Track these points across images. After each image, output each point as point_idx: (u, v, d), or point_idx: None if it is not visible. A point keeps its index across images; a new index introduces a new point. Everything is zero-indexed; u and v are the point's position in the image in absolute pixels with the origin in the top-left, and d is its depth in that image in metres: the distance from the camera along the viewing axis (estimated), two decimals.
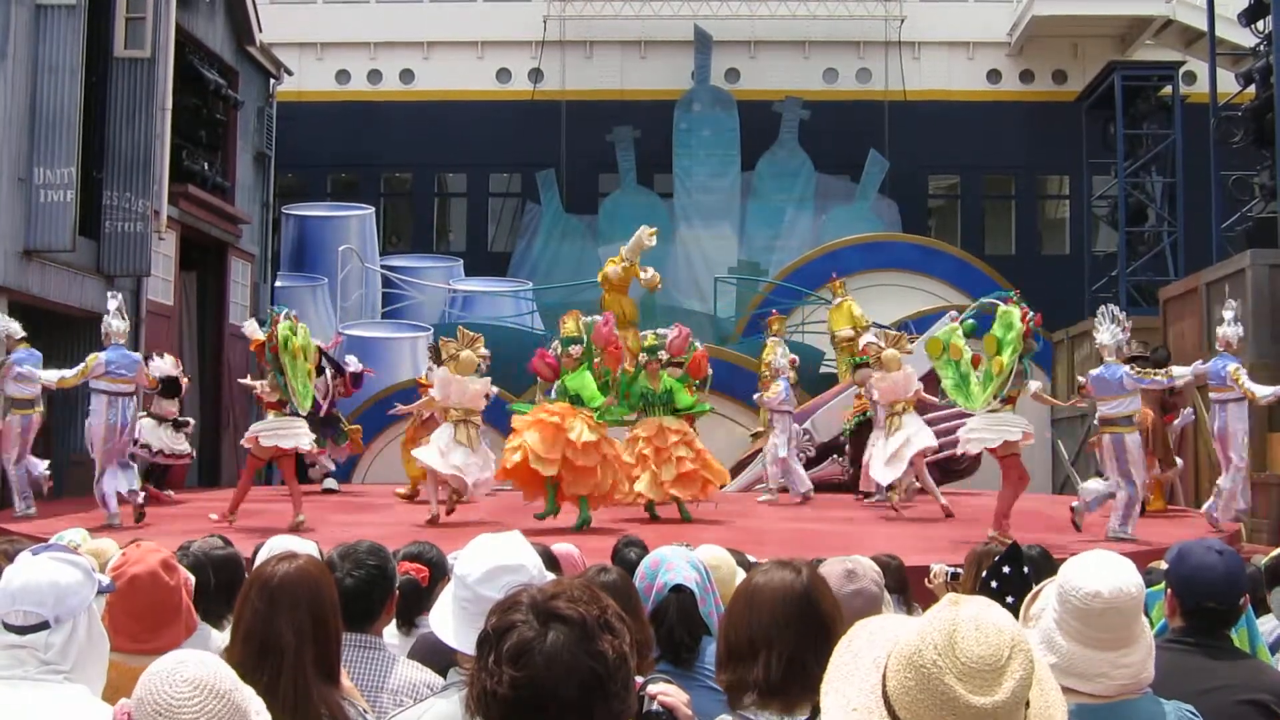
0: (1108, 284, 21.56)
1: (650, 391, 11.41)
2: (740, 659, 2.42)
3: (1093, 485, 10.90)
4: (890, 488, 12.72)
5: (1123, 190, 20.88)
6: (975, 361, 9.85)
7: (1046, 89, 24.55)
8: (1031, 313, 9.66)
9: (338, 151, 24.50)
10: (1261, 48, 15.88)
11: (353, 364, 15.23)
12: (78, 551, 2.74)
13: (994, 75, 24.87)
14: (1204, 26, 18.58)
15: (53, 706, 2.32)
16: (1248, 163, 17.25)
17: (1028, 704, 1.72)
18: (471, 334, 11.71)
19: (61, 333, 14.49)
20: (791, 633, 2.40)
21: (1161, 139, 20.75)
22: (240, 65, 19.40)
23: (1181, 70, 21.76)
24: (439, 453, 10.97)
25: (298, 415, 10.59)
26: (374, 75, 25.05)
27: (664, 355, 11.54)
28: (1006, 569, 3.41)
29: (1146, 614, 2.85)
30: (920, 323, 17.41)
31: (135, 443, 13.56)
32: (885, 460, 12.25)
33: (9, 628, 2.39)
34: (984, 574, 3.56)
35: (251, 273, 19.73)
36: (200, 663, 2.00)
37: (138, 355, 11.47)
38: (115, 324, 11.19)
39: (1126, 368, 10.29)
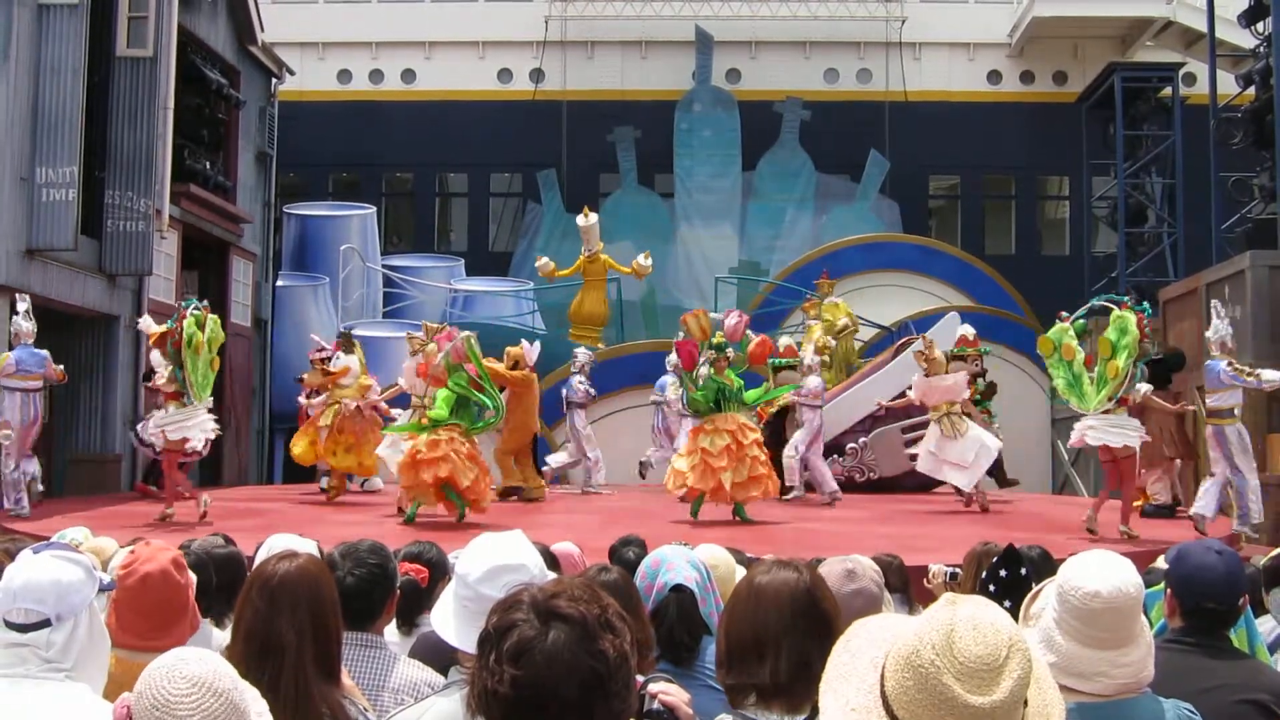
0: (1108, 285, 21.54)
1: (726, 387, 11.24)
2: (744, 659, 2.41)
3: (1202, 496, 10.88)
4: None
5: (1122, 191, 20.88)
6: (1089, 362, 10.15)
7: (1047, 90, 24.56)
8: (1147, 317, 10.03)
9: (339, 151, 24.51)
10: (1261, 49, 15.87)
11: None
12: (79, 550, 2.75)
13: (994, 76, 24.87)
14: (1204, 28, 18.57)
15: (54, 704, 2.32)
16: (1248, 164, 17.25)
17: (1026, 703, 1.72)
18: (435, 327, 11.94)
19: (64, 332, 14.51)
20: (798, 633, 2.39)
21: (1161, 140, 20.75)
22: (242, 65, 19.41)
23: (1181, 71, 21.76)
24: (389, 443, 11.41)
25: (195, 405, 10.86)
26: (375, 75, 25.06)
27: (731, 352, 11.45)
28: (1003, 572, 3.42)
29: (1146, 614, 2.85)
30: (921, 323, 17.42)
31: (140, 441, 13.65)
32: (966, 466, 12.26)
33: (11, 626, 2.40)
34: (982, 576, 3.57)
35: (253, 272, 19.75)
36: (201, 660, 2.00)
37: (44, 353, 11.74)
38: (24, 325, 11.63)
39: (1224, 363, 10.50)
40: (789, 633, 2.40)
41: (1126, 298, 10.50)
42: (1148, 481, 11.88)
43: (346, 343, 13.69)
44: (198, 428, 10.74)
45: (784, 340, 16.24)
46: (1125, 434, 10.03)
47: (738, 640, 2.44)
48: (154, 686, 1.96)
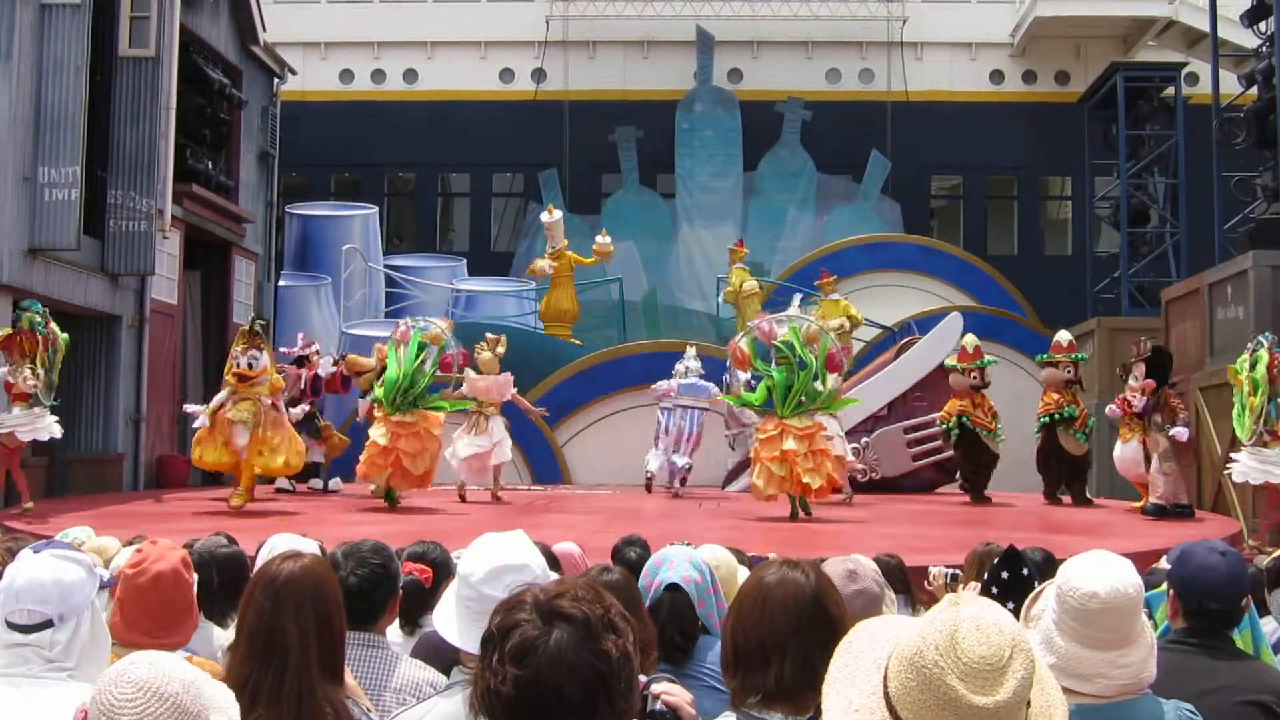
0: (1110, 285, 21.56)
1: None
2: (750, 663, 2.39)
3: None
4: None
5: (1125, 191, 20.87)
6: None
7: (1049, 90, 24.54)
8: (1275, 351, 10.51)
9: (341, 151, 24.52)
10: (1264, 49, 15.86)
11: (324, 367, 14.87)
12: (81, 549, 2.76)
13: (996, 76, 24.85)
14: (1206, 27, 18.56)
15: (57, 705, 2.32)
16: (1250, 164, 17.23)
17: (1029, 704, 1.72)
18: (495, 336, 13.11)
19: (66, 331, 14.48)
20: (804, 637, 2.36)
21: (1164, 140, 20.74)
22: (244, 64, 19.41)
23: (1184, 71, 21.74)
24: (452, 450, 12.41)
25: (42, 406, 11.28)
26: (377, 75, 25.07)
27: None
28: (1005, 574, 3.41)
29: (1150, 615, 2.85)
30: (922, 323, 17.40)
31: None
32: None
33: (13, 626, 2.40)
34: (984, 577, 3.56)
35: (255, 272, 19.75)
36: (150, 664, 1.92)
37: None
38: None
39: None
40: (794, 637, 2.36)
41: (1268, 334, 10.93)
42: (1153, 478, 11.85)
43: (254, 337, 12.09)
44: (45, 430, 11.29)
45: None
46: (1268, 470, 10.45)
47: (744, 644, 2.41)
48: (103, 691, 1.90)
